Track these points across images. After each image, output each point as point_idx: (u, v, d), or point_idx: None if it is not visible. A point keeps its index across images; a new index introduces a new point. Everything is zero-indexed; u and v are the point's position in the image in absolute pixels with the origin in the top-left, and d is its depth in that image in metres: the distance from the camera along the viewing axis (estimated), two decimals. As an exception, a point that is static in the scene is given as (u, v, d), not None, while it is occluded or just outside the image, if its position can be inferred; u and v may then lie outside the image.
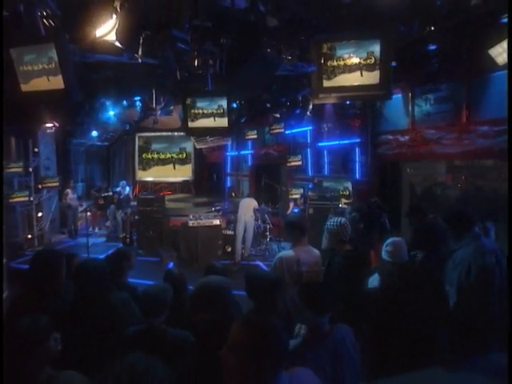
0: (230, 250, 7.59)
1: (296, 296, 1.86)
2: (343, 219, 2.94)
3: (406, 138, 6.26)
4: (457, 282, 2.32)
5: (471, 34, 4.37)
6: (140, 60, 3.00)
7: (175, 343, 1.83)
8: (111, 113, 7.80)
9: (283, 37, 3.26)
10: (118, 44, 2.68)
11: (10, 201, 7.22)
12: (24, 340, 1.57)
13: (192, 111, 4.73)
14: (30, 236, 8.42)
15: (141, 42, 2.77)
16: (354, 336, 1.95)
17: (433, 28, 4.29)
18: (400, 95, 6.25)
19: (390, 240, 2.67)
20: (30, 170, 8.39)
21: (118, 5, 2.50)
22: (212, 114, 4.60)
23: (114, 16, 2.54)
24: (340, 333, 1.89)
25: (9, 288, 4.38)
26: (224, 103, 4.51)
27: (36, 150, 8.73)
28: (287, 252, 2.94)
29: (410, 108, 6.13)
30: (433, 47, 4.85)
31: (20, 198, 7.55)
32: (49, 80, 2.93)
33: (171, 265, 6.66)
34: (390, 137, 6.58)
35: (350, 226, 2.90)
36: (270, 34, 3.13)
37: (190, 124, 4.82)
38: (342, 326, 1.95)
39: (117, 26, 2.55)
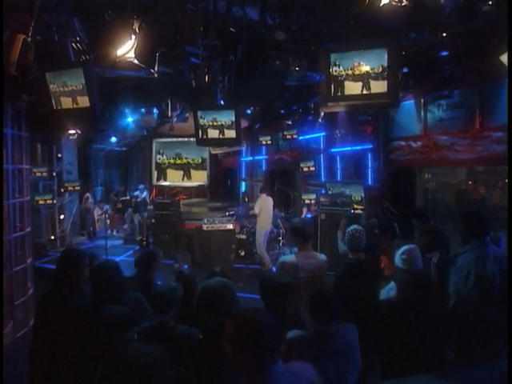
0: (243, 254, 7.70)
1: (305, 306, 1.93)
2: (358, 228, 2.90)
3: (419, 143, 6.22)
4: (454, 288, 2.31)
5: (483, 40, 4.36)
6: (156, 75, 3.21)
7: (183, 339, 1.94)
8: (130, 119, 8.08)
9: (291, 48, 3.37)
10: (136, 62, 2.90)
11: (40, 203, 7.54)
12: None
13: (202, 123, 4.98)
14: (52, 237, 8.76)
15: (157, 57, 2.99)
16: (357, 335, 2.03)
17: (444, 34, 4.31)
18: (412, 101, 6.24)
19: (405, 247, 2.63)
20: (54, 174, 8.76)
21: (136, 27, 2.74)
22: (221, 126, 4.84)
23: (133, 37, 2.79)
24: (345, 332, 1.95)
25: (33, 285, 4.66)
26: (232, 116, 4.74)
27: (59, 155, 9.12)
28: (288, 257, 2.97)
29: (423, 114, 6.09)
30: (445, 53, 4.84)
31: (45, 200, 7.89)
32: (76, 99, 3.25)
33: (186, 267, 6.80)
34: (403, 143, 6.55)
35: (364, 235, 2.84)
36: (278, 47, 3.25)
37: (201, 135, 5.08)
38: (348, 325, 2.00)
39: (135, 45, 2.79)
